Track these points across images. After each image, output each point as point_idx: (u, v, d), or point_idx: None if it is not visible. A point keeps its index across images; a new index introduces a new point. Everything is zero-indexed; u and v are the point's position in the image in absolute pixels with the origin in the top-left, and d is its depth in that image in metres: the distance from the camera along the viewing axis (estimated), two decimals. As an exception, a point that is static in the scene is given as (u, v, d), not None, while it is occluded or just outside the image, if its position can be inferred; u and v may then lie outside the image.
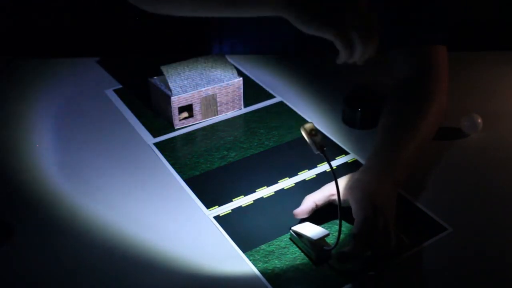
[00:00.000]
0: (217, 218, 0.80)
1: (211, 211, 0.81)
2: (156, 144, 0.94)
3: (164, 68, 0.97)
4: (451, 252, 0.75)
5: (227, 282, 0.71)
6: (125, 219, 0.80)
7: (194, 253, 0.75)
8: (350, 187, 0.77)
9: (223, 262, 0.73)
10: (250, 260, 0.74)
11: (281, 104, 1.04)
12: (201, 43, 1.23)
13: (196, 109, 0.98)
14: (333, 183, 0.76)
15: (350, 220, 0.79)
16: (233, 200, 0.83)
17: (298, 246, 0.75)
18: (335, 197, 0.77)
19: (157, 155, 0.92)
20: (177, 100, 0.96)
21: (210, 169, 0.89)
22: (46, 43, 1.17)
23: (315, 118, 1.00)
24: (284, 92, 1.07)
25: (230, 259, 0.74)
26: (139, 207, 0.82)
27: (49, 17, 1.18)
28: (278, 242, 0.76)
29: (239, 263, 0.73)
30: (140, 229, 0.78)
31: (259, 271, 0.72)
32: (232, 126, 0.99)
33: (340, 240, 0.71)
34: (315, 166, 0.89)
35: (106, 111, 1.02)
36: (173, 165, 0.90)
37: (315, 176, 0.87)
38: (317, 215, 0.79)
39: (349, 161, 0.91)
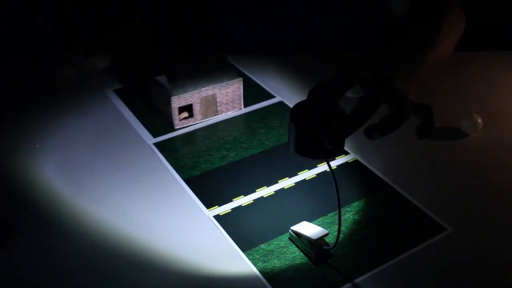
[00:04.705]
0: (217, 217, 0.80)
1: (211, 211, 0.81)
2: (156, 144, 0.94)
3: (164, 68, 0.97)
4: (451, 252, 0.74)
5: (226, 281, 0.71)
6: (125, 219, 0.80)
7: (194, 253, 0.75)
8: None
9: (222, 261, 0.73)
10: (250, 259, 0.74)
11: (281, 104, 1.04)
12: (201, 42, 1.23)
13: (196, 109, 0.98)
14: None
15: (349, 220, 0.79)
16: (233, 200, 0.83)
17: (297, 246, 0.75)
18: None
19: (157, 155, 0.92)
20: (177, 100, 0.96)
21: (210, 169, 0.89)
22: (45, 42, 1.17)
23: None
24: (284, 92, 1.07)
25: (229, 259, 0.74)
26: (139, 207, 0.82)
27: (49, 16, 1.18)
28: (277, 242, 0.76)
29: (239, 263, 0.73)
30: (140, 229, 0.78)
31: (259, 270, 0.72)
32: (232, 126, 0.99)
33: (339, 239, 0.71)
34: (315, 166, 0.89)
35: (106, 111, 1.02)
36: (173, 165, 0.90)
37: (315, 176, 0.87)
38: (316, 215, 0.80)
39: (349, 161, 0.91)
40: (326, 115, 0.65)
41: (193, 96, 0.97)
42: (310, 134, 0.64)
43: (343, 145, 0.67)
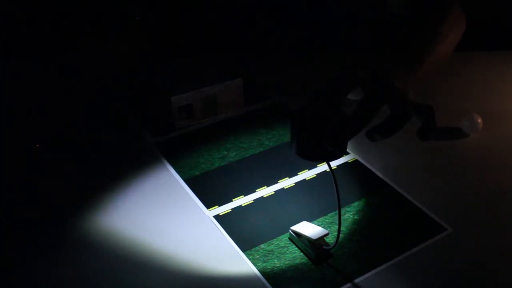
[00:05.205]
0: (217, 217, 0.80)
1: (211, 211, 0.81)
2: (156, 144, 0.94)
3: (164, 67, 0.97)
4: (451, 252, 0.74)
5: (226, 281, 0.71)
6: (125, 219, 0.80)
7: (194, 253, 0.75)
8: None
9: (222, 261, 0.73)
10: (250, 259, 0.74)
11: (281, 104, 1.04)
12: (201, 42, 1.23)
13: (196, 109, 0.98)
14: None
15: (349, 220, 0.79)
16: (233, 200, 0.83)
17: (297, 246, 0.75)
18: None
19: (157, 155, 0.92)
20: (177, 100, 0.96)
21: (210, 169, 0.89)
22: (44, 42, 1.17)
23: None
24: (284, 92, 1.07)
25: (229, 259, 0.74)
26: (139, 207, 0.82)
27: (49, 16, 1.18)
28: (277, 242, 0.76)
29: (239, 263, 0.73)
30: (140, 229, 0.78)
31: (258, 270, 0.72)
32: (232, 126, 0.99)
33: (339, 239, 0.71)
34: (315, 166, 0.89)
35: (106, 111, 1.02)
36: (173, 165, 0.90)
37: (315, 176, 0.87)
38: (316, 215, 0.80)
39: (349, 161, 0.91)
40: (328, 118, 0.65)
41: (193, 96, 0.97)
42: (312, 137, 0.64)
43: (345, 148, 0.67)
